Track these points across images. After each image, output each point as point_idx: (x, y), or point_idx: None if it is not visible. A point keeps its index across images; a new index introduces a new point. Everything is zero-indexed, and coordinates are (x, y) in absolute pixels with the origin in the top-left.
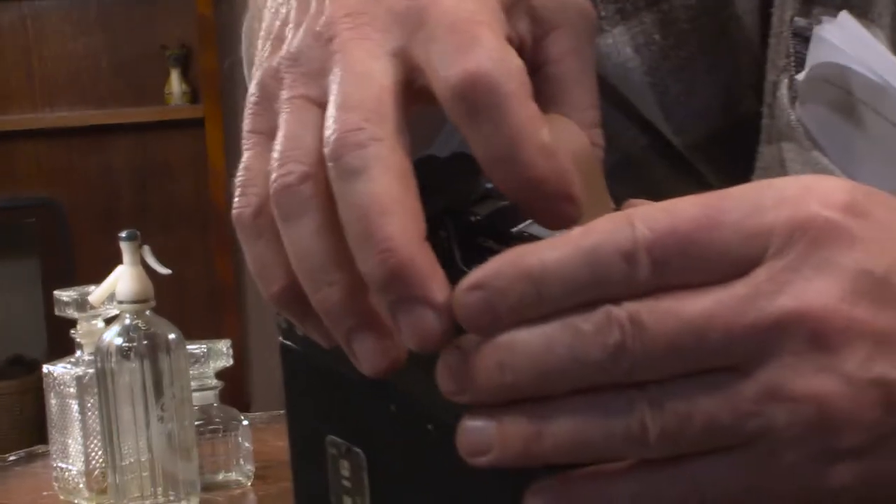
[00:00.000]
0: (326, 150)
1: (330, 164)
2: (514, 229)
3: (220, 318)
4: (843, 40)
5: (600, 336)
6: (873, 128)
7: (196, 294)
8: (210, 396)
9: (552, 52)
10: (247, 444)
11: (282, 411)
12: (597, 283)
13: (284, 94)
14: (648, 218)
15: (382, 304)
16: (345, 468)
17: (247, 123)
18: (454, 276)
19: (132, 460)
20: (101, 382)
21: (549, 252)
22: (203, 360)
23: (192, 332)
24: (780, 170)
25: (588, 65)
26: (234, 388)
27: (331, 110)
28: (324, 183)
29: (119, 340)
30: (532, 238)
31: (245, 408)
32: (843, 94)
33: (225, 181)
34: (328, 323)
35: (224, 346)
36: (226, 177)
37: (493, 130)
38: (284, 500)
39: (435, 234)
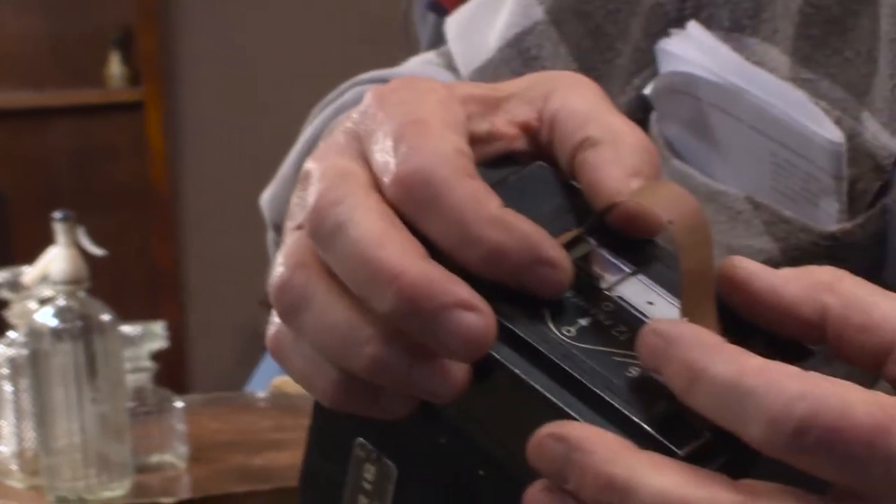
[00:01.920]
0: (309, 229)
1: (315, 239)
2: (604, 287)
3: (160, 301)
4: (685, 49)
5: None
6: (726, 129)
7: (135, 277)
8: (144, 378)
9: (560, 115)
10: (180, 426)
11: (219, 394)
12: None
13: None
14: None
15: (416, 331)
16: (369, 472)
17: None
18: (542, 331)
19: (65, 442)
20: (33, 364)
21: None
22: (137, 341)
23: (131, 315)
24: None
25: (607, 113)
26: (173, 370)
27: (302, 196)
28: (319, 270)
29: (53, 322)
30: (619, 304)
31: (183, 390)
32: (693, 100)
33: (165, 164)
34: (382, 380)
35: (159, 327)
36: (166, 159)
37: (440, 220)
38: (218, 482)
39: None
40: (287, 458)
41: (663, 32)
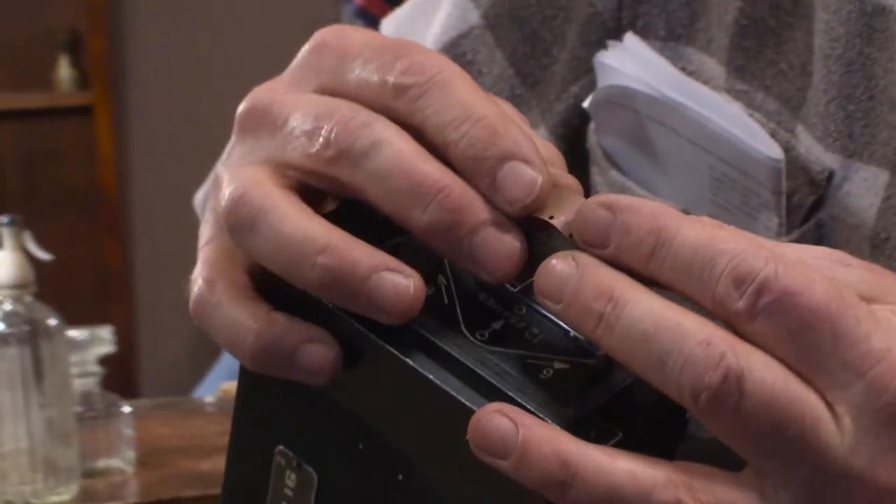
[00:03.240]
0: (330, 152)
1: (343, 160)
2: (516, 289)
3: (109, 306)
4: (622, 62)
5: (701, 367)
6: (665, 142)
7: (84, 281)
8: (91, 383)
9: None
10: (128, 431)
11: (168, 399)
12: (706, 284)
13: (223, 176)
14: (788, 272)
15: (452, 247)
16: (290, 479)
17: (199, 244)
18: (455, 336)
19: (12, 447)
20: None
21: (689, 228)
22: (85, 346)
23: (79, 319)
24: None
25: None
26: (122, 375)
27: (306, 128)
28: (275, 187)
29: None
30: (531, 307)
31: (133, 395)
32: (631, 113)
33: (114, 168)
34: (335, 294)
35: (106, 332)
36: (115, 163)
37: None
38: (166, 487)
39: (433, 284)
40: None
41: (601, 41)
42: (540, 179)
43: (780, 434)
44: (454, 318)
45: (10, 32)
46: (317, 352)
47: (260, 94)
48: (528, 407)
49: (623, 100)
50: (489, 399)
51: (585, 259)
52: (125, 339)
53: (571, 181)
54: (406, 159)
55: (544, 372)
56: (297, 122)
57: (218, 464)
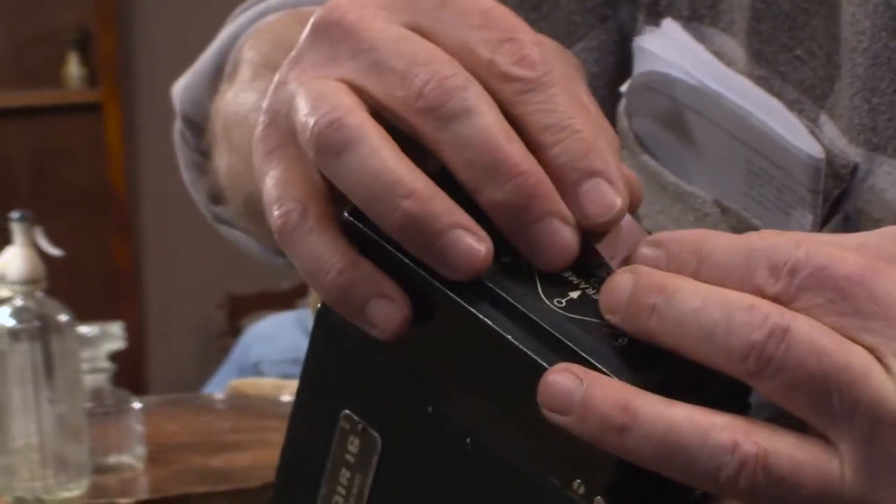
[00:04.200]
0: (420, 103)
1: (431, 115)
2: (592, 265)
3: (118, 304)
4: (664, 48)
5: (747, 328)
6: (701, 131)
7: (94, 278)
8: (102, 379)
9: None
10: (138, 427)
11: (177, 395)
12: (745, 280)
13: (295, 83)
14: (819, 250)
15: (514, 227)
16: (353, 444)
17: (261, 148)
18: (532, 299)
19: (22, 442)
20: None
21: (724, 238)
22: (95, 342)
23: (89, 316)
24: None
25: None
26: (132, 372)
27: (398, 67)
28: (372, 119)
29: (10, 322)
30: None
31: (142, 392)
32: (668, 100)
33: (123, 165)
34: (407, 238)
35: (117, 328)
36: (124, 160)
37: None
38: (176, 483)
39: (512, 255)
40: (245, 459)
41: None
42: (619, 203)
43: (831, 385)
44: (532, 284)
45: (19, 30)
46: (388, 309)
47: (345, 5)
48: (603, 370)
49: (662, 87)
50: (563, 360)
51: (641, 269)
52: (134, 336)
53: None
54: (493, 135)
55: (619, 340)
56: (388, 55)
57: (227, 460)
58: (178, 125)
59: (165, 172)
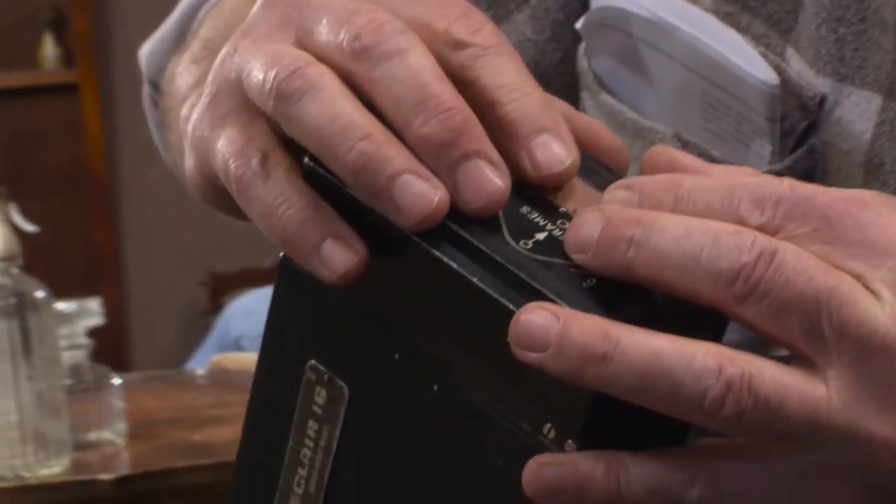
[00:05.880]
0: (356, 44)
1: (365, 54)
2: (561, 208)
3: (99, 284)
4: None
5: (735, 251)
6: (657, 66)
7: (74, 260)
8: (80, 355)
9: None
10: (119, 403)
11: (159, 372)
12: (728, 213)
13: (248, 50)
14: (803, 185)
15: (440, 165)
16: (320, 396)
17: (208, 114)
18: (498, 241)
19: (1, 420)
20: None
21: (702, 178)
22: (73, 318)
23: (71, 297)
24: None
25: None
26: (114, 349)
27: (341, 19)
28: (331, 71)
29: None
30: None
31: (125, 369)
32: (624, 35)
33: (102, 146)
34: (363, 181)
35: (95, 304)
36: (102, 141)
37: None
38: (157, 458)
39: None
40: (227, 434)
41: None
42: (568, 161)
43: (821, 306)
44: (497, 226)
45: None
46: (342, 251)
47: None
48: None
49: (617, 22)
50: (529, 301)
51: (612, 207)
52: (115, 314)
53: (562, 104)
54: (424, 74)
55: (588, 281)
56: (336, 15)
57: (209, 435)
58: (146, 88)
59: (145, 151)
